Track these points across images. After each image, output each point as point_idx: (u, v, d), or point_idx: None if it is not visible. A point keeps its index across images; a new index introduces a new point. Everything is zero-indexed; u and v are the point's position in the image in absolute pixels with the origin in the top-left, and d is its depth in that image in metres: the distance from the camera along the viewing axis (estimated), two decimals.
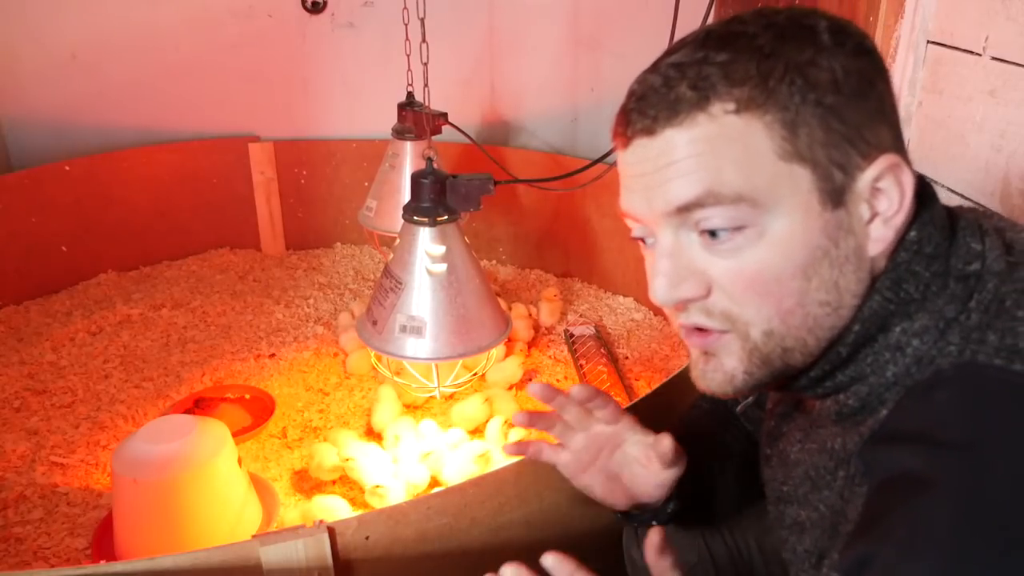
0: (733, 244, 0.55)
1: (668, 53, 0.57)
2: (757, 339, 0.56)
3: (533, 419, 0.79)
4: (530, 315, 2.02)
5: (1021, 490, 0.44)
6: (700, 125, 0.54)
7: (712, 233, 0.55)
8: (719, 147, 0.54)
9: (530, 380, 1.79)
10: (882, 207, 0.55)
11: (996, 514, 0.44)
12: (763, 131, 0.53)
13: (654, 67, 0.57)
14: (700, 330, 0.59)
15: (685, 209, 0.55)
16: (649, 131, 0.56)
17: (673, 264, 0.57)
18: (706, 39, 0.55)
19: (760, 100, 0.53)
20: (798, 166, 0.53)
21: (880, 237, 0.55)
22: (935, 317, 0.54)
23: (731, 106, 0.53)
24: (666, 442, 0.75)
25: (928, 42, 1.25)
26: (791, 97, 0.53)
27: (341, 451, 1.47)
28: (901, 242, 0.56)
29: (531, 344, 1.95)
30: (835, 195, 0.54)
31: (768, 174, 0.53)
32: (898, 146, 0.56)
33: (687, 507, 0.81)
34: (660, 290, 0.58)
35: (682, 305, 0.58)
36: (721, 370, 0.59)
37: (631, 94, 0.58)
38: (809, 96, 0.53)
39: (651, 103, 0.55)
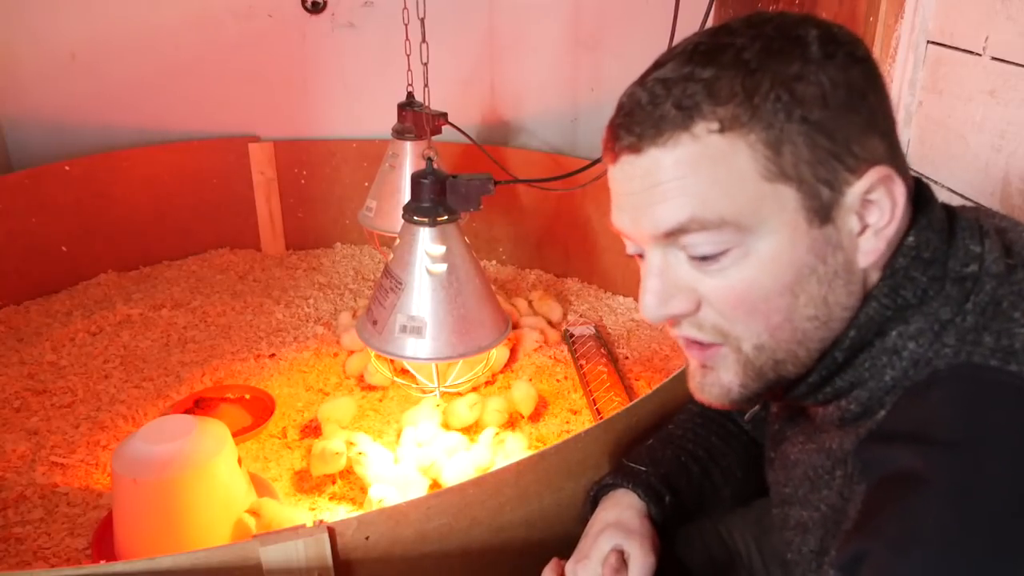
0: (719, 265, 0.55)
1: (657, 65, 0.57)
2: (749, 353, 0.57)
3: None
4: (517, 306, 2.02)
5: (1013, 489, 0.45)
6: (683, 146, 0.54)
7: (699, 256, 0.56)
8: (703, 169, 0.53)
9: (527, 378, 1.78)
10: (872, 219, 0.55)
11: (987, 512, 0.44)
12: (747, 151, 0.53)
13: (642, 80, 0.57)
14: (696, 342, 0.60)
15: (671, 234, 0.56)
16: (634, 148, 0.56)
17: (662, 282, 0.58)
18: (693, 52, 0.55)
19: (744, 119, 0.52)
20: (783, 185, 0.53)
21: (871, 249, 0.55)
22: (930, 320, 0.54)
23: (715, 125, 0.53)
24: None
25: (928, 42, 1.25)
26: (775, 115, 0.52)
27: (352, 447, 1.46)
28: (899, 248, 0.55)
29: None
30: (822, 212, 0.54)
31: (752, 195, 0.53)
32: (892, 155, 0.55)
33: (676, 512, 0.82)
34: (649, 308, 0.59)
35: (674, 320, 0.59)
36: (718, 384, 0.60)
37: (620, 107, 0.58)
38: (795, 112, 0.52)
39: (637, 120, 0.55)
